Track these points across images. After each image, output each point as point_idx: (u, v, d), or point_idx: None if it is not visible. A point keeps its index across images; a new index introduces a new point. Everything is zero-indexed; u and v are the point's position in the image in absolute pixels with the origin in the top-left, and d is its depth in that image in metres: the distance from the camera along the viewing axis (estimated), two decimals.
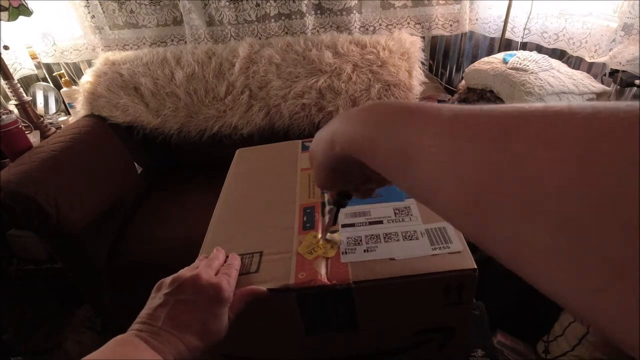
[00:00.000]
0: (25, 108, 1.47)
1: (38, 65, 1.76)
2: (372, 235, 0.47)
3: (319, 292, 0.42)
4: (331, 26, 1.66)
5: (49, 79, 1.79)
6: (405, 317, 0.47)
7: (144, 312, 0.39)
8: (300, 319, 0.45)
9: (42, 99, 1.67)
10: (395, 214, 0.50)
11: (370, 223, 0.49)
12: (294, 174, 0.63)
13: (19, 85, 1.47)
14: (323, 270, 0.44)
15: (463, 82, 1.55)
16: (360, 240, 0.47)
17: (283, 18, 1.64)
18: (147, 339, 0.36)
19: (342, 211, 0.51)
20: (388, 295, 0.44)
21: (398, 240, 0.46)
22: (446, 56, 1.79)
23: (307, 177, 0.61)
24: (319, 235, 0.49)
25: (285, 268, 0.45)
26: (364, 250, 0.45)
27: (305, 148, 0.71)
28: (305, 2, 1.58)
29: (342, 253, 0.46)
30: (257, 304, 0.43)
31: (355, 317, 0.45)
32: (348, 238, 0.48)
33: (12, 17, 1.36)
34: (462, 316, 0.47)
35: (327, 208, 0.54)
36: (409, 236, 0.46)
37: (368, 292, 0.43)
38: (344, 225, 0.50)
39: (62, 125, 1.59)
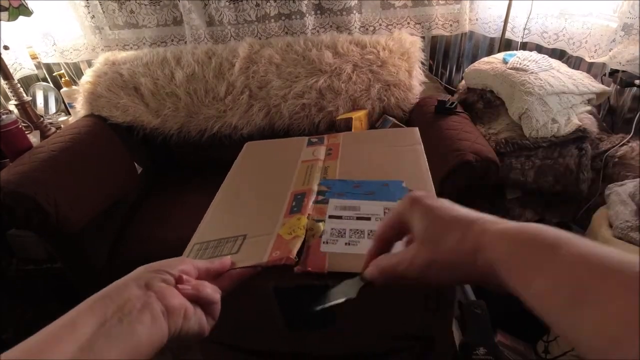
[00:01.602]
0: (25, 108, 1.47)
1: (38, 65, 1.76)
2: (357, 230, 0.47)
3: (295, 286, 0.43)
4: (331, 26, 1.66)
5: (49, 79, 1.79)
6: (383, 318, 0.47)
7: None
8: (280, 313, 0.45)
9: (42, 99, 1.67)
10: (384, 212, 0.50)
11: (358, 218, 0.49)
12: (294, 165, 0.64)
13: (19, 85, 1.47)
14: (296, 249, 0.44)
15: (463, 82, 1.56)
16: (344, 233, 0.47)
17: (283, 18, 1.64)
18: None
19: (332, 203, 0.52)
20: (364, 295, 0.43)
21: None
22: (446, 56, 1.79)
23: (306, 168, 0.62)
24: (305, 220, 0.49)
25: (262, 248, 0.45)
26: (346, 243, 0.45)
27: (310, 143, 0.72)
28: (305, 2, 1.58)
29: (323, 242, 0.46)
30: (242, 294, 0.42)
31: (333, 313, 0.45)
32: (332, 229, 0.48)
33: (12, 17, 1.36)
34: (441, 326, 0.47)
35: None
36: None
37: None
38: (331, 216, 0.50)
39: (62, 125, 1.59)
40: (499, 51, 1.59)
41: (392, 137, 0.70)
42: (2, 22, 1.35)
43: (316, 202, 0.54)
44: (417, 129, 0.71)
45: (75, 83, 1.74)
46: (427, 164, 0.60)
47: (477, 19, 1.64)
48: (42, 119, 1.54)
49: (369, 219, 0.49)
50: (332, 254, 0.44)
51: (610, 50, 1.26)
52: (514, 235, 0.26)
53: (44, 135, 1.46)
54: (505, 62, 1.35)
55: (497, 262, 0.26)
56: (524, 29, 1.54)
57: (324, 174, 0.60)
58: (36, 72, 1.76)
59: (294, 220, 0.49)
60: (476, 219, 0.28)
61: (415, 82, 1.49)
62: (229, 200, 0.60)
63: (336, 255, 0.44)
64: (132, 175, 1.47)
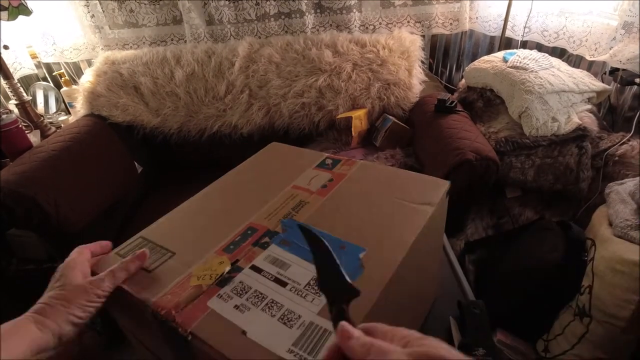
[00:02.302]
0: (26, 107, 1.47)
1: (38, 65, 1.76)
2: (260, 294, 0.41)
3: (170, 326, 0.39)
4: (331, 25, 1.66)
5: (49, 79, 1.79)
6: None
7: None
8: (165, 344, 0.44)
9: (42, 99, 1.67)
10: (309, 283, 0.42)
11: (275, 280, 0.43)
12: (282, 188, 0.59)
13: (19, 84, 1.47)
14: (185, 303, 0.40)
15: (463, 80, 1.55)
16: (246, 292, 0.41)
17: (283, 17, 1.64)
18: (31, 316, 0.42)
19: (270, 250, 0.47)
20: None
21: (273, 315, 0.38)
22: (446, 55, 1.79)
23: (288, 197, 0.56)
24: (227, 267, 0.45)
25: (166, 282, 0.43)
26: (235, 306, 0.40)
27: (322, 165, 0.64)
28: (305, 1, 1.57)
29: (217, 295, 0.41)
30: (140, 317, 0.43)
31: None
32: (240, 282, 0.42)
33: (12, 17, 1.36)
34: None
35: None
36: (286, 319, 0.38)
37: (203, 353, 0.38)
38: (252, 267, 0.45)
39: (62, 125, 1.59)
40: (499, 50, 1.59)
41: (409, 185, 0.57)
42: (1, 21, 1.35)
43: (257, 244, 0.48)
44: (448, 183, 0.56)
45: (75, 82, 1.74)
46: (419, 233, 0.48)
47: (477, 18, 1.64)
48: (42, 118, 1.54)
49: (285, 284, 0.42)
50: (212, 313, 0.39)
51: (610, 49, 1.26)
52: None
53: (44, 135, 1.46)
54: (505, 60, 1.35)
55: None
56: (524, 27, 1.54)
57: (297, 210, 0.53)
58: (36, 71, 1.76)
59: (216, 262, 0.45)
60: None
61: (415, 80, 1.49)
62: (202, 203, 0.59)
63: (215, 316, 0.39)
64: (132, 175, 1.47)
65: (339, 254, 0.43)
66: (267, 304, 0.40)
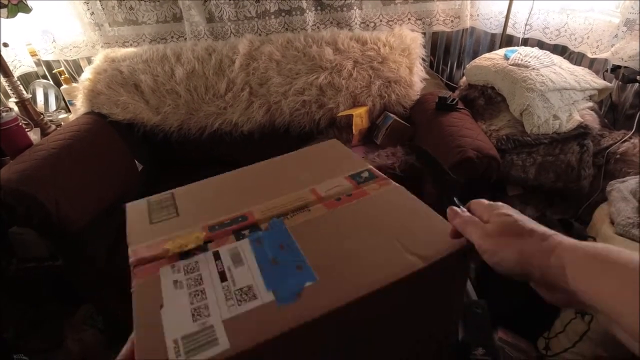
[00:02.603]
0: (25, 105, 1.47)
1: (38, 63, 1.76)
2: (200, 280, 0.41)
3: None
4: (331, 22, 1.66)
5: (49, 76, 1.78)
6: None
7: None
8: None
9: (42, 97, 1.67)
10: (241, 289, 0.39)
11: (221, 273, 0.41)
12: (302, 187, 0.55)
13: (18, 82, 1.47)
14: (149, 258, 0.43)
15: (464, 78, 1.55)
16: (192, 272, 0.42)
17: (283, 14, 1.64)
18: None
19: (240, 244, 0.45)
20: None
21: (192, 304, 0.38)
22: (447, 52, 1.78)
23: (298, 198, 0.53)
24: (200, 244, 0.46)
25: (155, 235, 0.47)
26: (175, 281, 0.41)
27: (357, 178, 0.57)
28: None
29: (171, 265, 0.42)
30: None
31: None
32: (196, 262, 0.43)
33: (11, 14, 1.35)
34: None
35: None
36: (197, 312, 0.37)
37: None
38: (215, 253, 0.44)
39: (62, 123, 1.59)
40: (500, 47, 1.58)
41: (420, 228, 0.47)
42: (1, 19, 1.34)
43: (236, 232, 0.47)
44: (463, 243, 0.43)
45: (75, 80, 1.73)
46: (389, 283, 0.40)
47: (478, 15, 1.63)
48: (42, 116, 1.54)
49: (224, 280, 0.40)
50: (155, 278, 0.41)
51: (612, 46, 1.26)
52: (585, 249, 0.32)
53: (44, 133, 1.45)
54: (506, 58, 1.35)
55: (568, 265, 0.32)
56: (526, 24, 1.53)
57: (294, 213, 0.49)
58: (36, 69, 1.75)
59: (194, 235, 0.46)
60: (552, 233, 0.36)
61: (416, 78, 1.48)
62: (237, 177, 0.61)
63: (155, 282, 0.40)
64: (133, 173, 1.47)
65: (287, 271, 0.41)
66: (197, 290, 0.39)
